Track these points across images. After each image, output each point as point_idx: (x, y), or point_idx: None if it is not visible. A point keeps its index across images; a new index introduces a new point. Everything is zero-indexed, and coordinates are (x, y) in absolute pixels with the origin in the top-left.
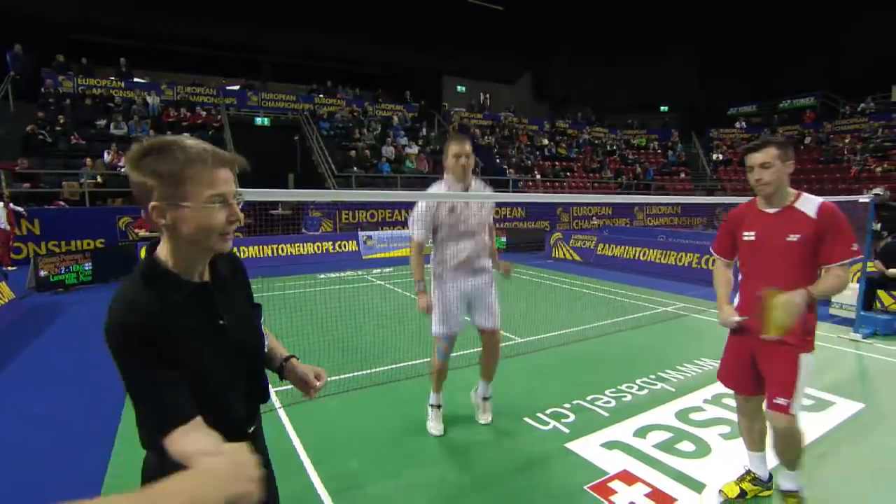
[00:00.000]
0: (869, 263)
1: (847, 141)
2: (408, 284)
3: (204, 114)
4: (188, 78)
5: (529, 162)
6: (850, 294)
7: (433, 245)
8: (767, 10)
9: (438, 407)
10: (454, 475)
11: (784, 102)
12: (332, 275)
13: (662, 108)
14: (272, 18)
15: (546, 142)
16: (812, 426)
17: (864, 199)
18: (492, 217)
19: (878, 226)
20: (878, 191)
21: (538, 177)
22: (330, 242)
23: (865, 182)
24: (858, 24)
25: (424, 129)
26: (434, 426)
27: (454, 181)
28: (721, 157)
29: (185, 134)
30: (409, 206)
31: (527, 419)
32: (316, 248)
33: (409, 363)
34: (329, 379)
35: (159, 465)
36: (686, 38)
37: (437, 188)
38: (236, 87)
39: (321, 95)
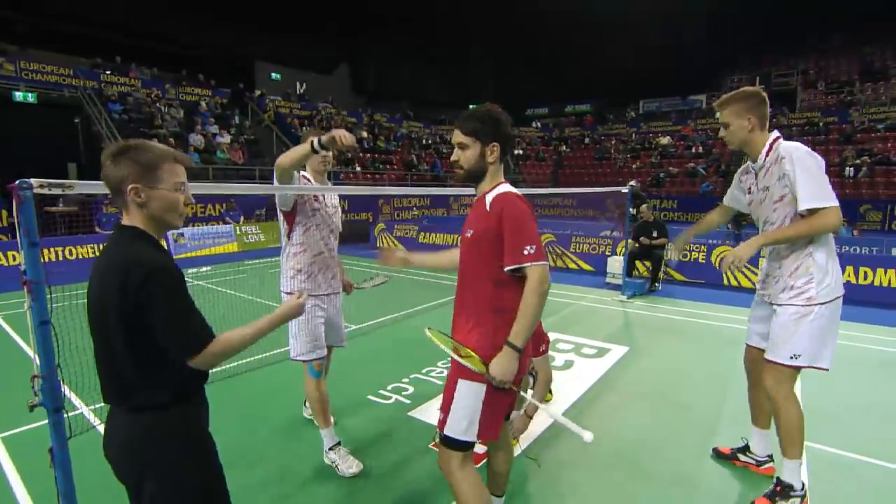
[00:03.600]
0: (629, 241)
1: (613, 142)
2: (232, 283)
3: None
4: None
5: (349, 154)
6: (618, 265)
7: (289, 240)
8: (553, 26)
9: (339, 444)
10: (303, 458)
11: (569, 107)
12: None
13: (471, 105)
14: None
15: (365, 134)
16: (595, 368)
17: (624, 189)
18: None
19: (634, 210)
20: (633, 183)
21: (359, 169)
22: None
23: (626, 176)
24: (615, 44)
25: (237, 117)
26: (352, 465)
27: (316, 176)
28: (521, 152)
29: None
30: (226, 199)
31: (370, 397)
32: None
33: (247, 360)
34: None
35: (169, 417)
36: (488, 43)
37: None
38: None
39: (109, 73)
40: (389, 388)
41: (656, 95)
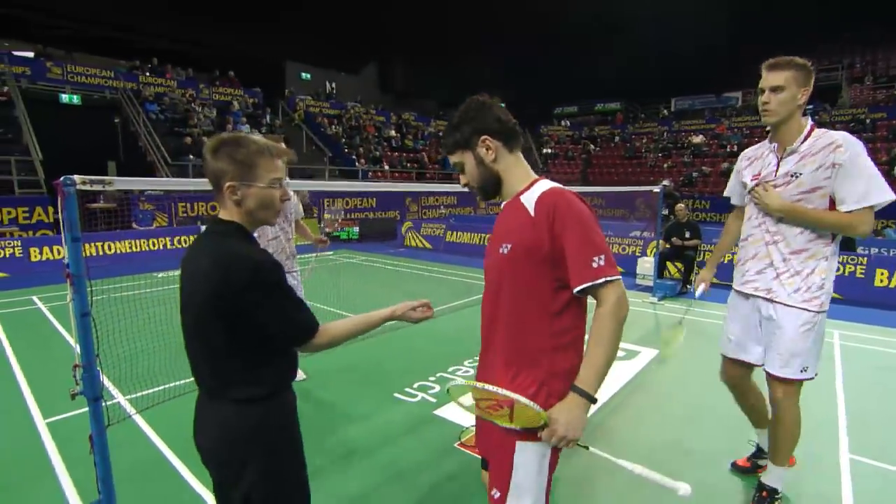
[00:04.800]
0: (661, 242)
1: (644, 141)
2: None
3: None
4: None
5: (378, 153)
6: (649, 266)
7: None
8: (581, 23)
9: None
10: (333, 451)
11: (599, 105)
12: (173, 273)
13: (500, 105)
14: None
15: (393, 133)
16: (625, 371)
17: (656, 189)
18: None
19: (666, 210)
20: (665, 182)
21: (387, 167)
22: (167, 238)
23: (657, 175)
24: (646, 40)
25: (268, 116)
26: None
27: None
28: (550, 150)
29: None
30: None
31: (396, 395)
32: (151, 244)
33: None
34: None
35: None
36: (515, 40)
37: None
38: (29, 55)
39: (147, 74)
40: (415, 386)
41: (689, 93)
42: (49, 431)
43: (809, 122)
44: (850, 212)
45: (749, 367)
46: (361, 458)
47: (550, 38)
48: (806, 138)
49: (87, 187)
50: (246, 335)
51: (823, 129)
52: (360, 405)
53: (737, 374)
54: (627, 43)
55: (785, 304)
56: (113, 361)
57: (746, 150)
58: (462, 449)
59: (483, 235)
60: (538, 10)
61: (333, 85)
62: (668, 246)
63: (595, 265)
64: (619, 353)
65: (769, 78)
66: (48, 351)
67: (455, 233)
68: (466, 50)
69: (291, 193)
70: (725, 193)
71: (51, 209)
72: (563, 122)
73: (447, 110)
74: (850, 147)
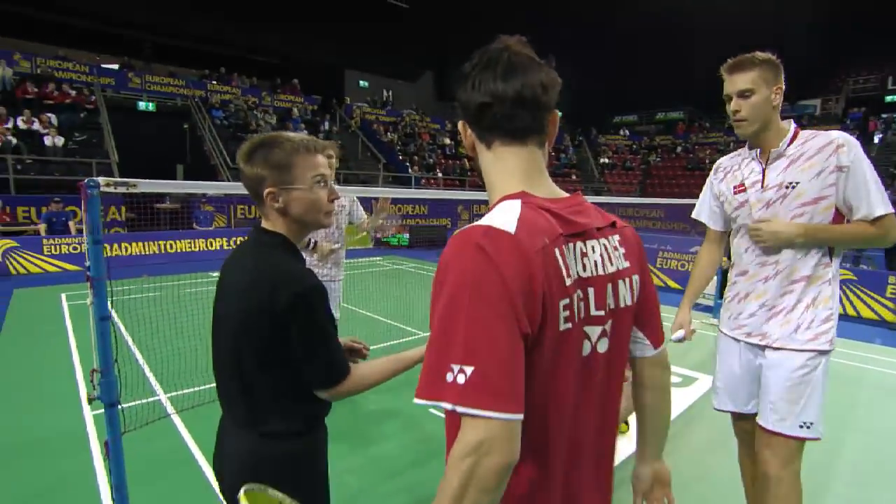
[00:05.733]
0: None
1: (707, 152)
2: None
3: (73, 92)
4: (50, 50)
5: (432, 160)
6: (710, 285)
7: None
8: (642, 29)
9: None
10: (367, 467)
11: (659, 114)
12: None
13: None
14: None
15: (448, 141)
16: (681, 399)
17: None
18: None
19: None
20: None
21: (440, 175)
22: (224, 239)
23: None
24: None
25: (326, 123)
26: None
27: None
28: (607, 160)
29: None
30: None
31: (433, 410)
32: (208, 244)
33: None
34: None
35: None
36: (572, 46)
37: None
38: (114, 67)
39: (214, 82)
40: None
41: None
42: (94, 422)
43: (792, 124)
44: (876, 219)
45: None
46: (386, 479)
47: (609, 44)
48: (792, 140)
49: (112, 189)
50: (278, 360)
51: (810, 131)
52: (394, 420)
53: (748, 427)
54: (693, 48)
55: (787, 350)
56: (161, 357)
57: (721, 160)
58: None
59: None
60: (594, 18)
61: (390, 92)
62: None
63: (449, 378)
64: (674, 379)
65: (734, 81)
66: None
67: None
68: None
69: (345, 196)
70: (694, 214)
71: (123, 208)
72: (621, 132)
73: None
74: (852, 146)
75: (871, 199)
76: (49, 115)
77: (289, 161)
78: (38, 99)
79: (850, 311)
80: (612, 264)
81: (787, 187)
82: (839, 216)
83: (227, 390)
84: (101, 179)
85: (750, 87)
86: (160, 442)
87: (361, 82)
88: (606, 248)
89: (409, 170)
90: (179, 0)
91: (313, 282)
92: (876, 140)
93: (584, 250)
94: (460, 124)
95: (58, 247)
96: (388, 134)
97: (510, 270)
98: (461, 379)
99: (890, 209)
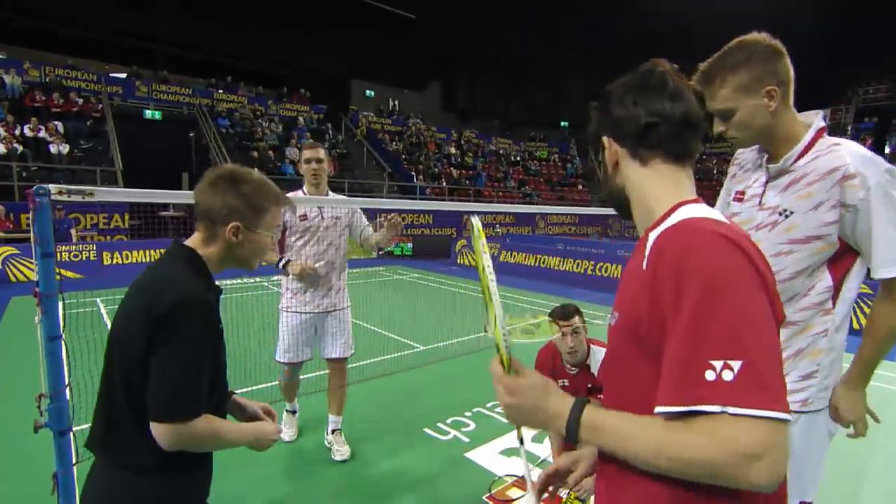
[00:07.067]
0: None
1: (715, 161)
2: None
3: (80, 101)
4: (60, 59)
5: (437, 169)
6: None
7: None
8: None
9: (294, 413)
10: (350, 491)
11: None
12: (233, 281)
13: (563, 123)
14: (166, 5)
15: (453, 150)
16: None
17: None
18: (363, 220)
19: None
20: None
21: (445, 184)
22: None
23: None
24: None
25: (332, 132)
26: (285, 430)
27: (311, 189)
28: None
29: (254, 170)
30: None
31: (427, 430)
32: None
33: (312, 375)
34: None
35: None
36: (577, 60)
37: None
38: (122, 76)
39: (220, 91)
40: (449, 421)
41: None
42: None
43: (813, 127)
44: (884, 283)
45: None
46: (381, 499)
47: (614, 53)
48: (806, 150)
49: (65, 198)
50: (145, 375)
51: (830, 142)
52: (386, 439)
53: None
54: (696, 57)
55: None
56: None
57: (742, 151)
58: (490, 502)
59: (539, 257)
60: (600, 23)
61: (396, 102)
62: None
63: (711, 377)
64: None
65: (709, 97)
66: (95, 355)
67: (510, 252)
68: (534, 69)
69: (339, 208)
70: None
71: (126, 216)
72: None
73: (513, 129)
74: (868, 178)
75: (877, 257)
76: (56, 122)
77: (265, 207)
78: (46, 107)
79: None
80: None
81: (780, 213)
82: (836, 263)
83: (98, 413)
84: (53, 187)
85: (727, 106)
86: None
87: (368, 91)
88: None
89: (415, 179)
90: (188, 10)
91: (199, 295)
92: (888, 150)
93: None
94: (605, 139)
95: (58, 254)
96: (394, 143)
97: (758, 260)
98: (727, 375)
99: None
